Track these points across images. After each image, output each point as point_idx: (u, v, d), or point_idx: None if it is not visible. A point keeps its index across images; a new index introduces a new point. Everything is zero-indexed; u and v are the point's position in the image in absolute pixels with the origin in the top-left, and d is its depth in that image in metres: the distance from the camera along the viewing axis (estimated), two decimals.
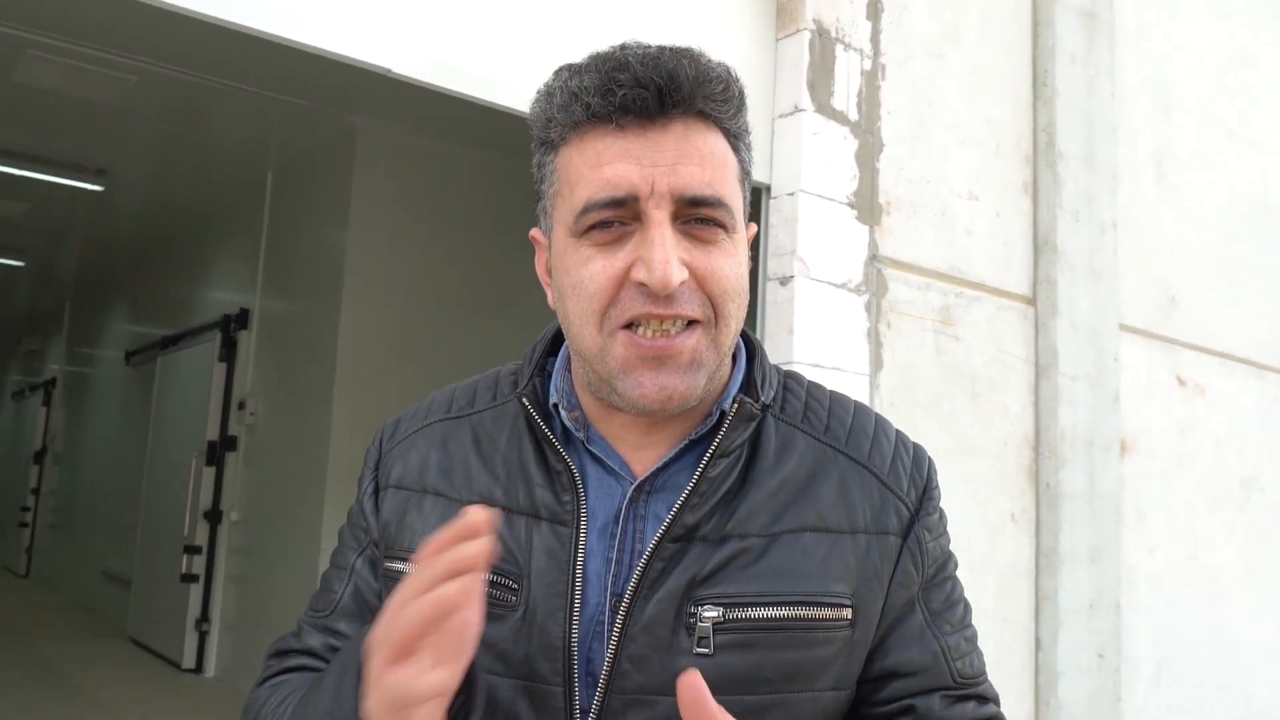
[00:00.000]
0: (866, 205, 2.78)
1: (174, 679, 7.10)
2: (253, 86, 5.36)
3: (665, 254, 0.85)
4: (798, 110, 2.69)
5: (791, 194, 2.64)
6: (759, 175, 2.73)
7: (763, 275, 2.69)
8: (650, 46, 0.90)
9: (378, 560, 1.00)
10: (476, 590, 0.74)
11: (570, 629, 0.89)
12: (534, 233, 0.99)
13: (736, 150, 0.93)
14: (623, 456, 0.95)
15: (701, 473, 0.91)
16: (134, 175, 7.38)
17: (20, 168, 6.93)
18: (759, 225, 2.74)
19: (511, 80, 2.23)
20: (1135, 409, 3.52)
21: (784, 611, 0.89)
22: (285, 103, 5.73)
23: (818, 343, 2.63)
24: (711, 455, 0.91)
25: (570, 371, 0.98)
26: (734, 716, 0.77)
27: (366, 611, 0.99)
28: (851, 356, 2.69)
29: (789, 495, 0.93)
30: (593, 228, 0.88)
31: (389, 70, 2.07)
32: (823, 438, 0.97)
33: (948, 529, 1.02)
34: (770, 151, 2.72)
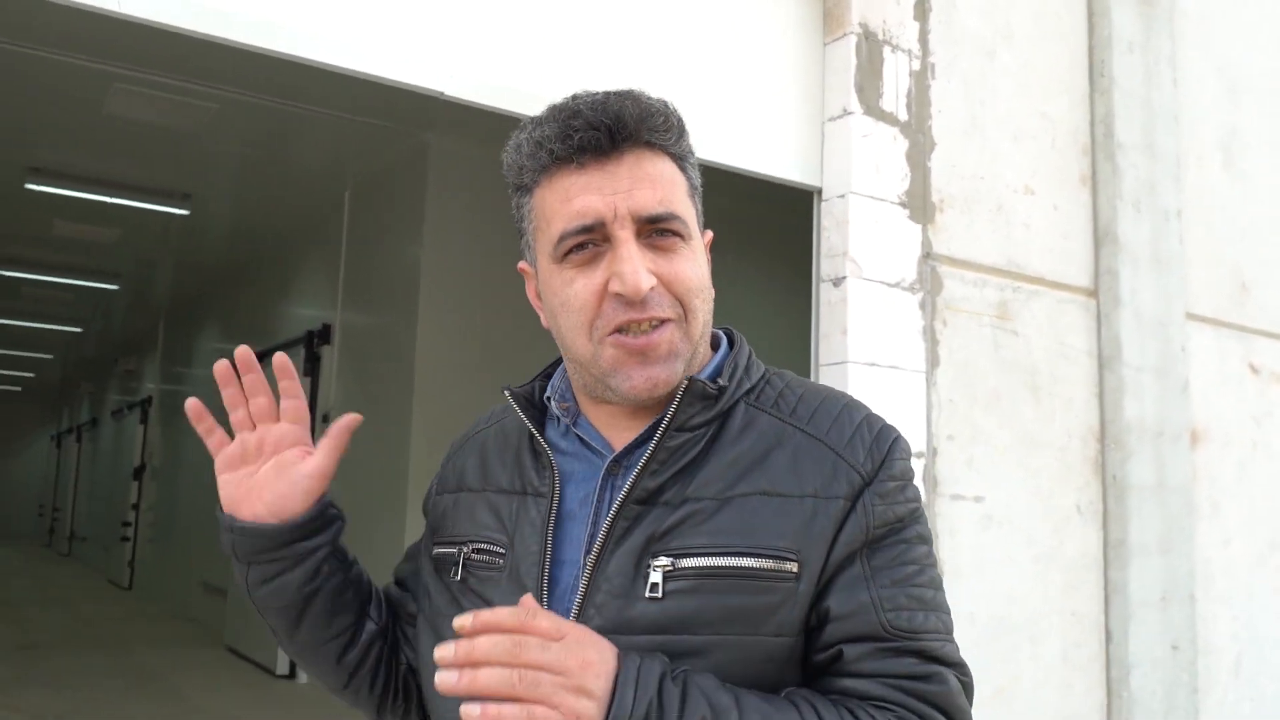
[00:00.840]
0: (919, 204, 2.81)
1: (268, 685, 7.36)
2: (327, 110, 5.55)
3: (633, 266, 1.01)
4: (846, 113, 2.72)
5: (842, 196, 2.67)
6: (809, 179, 2.77)
7: (816, 277, 2.73)
8: (598, 93, 1.06)
9: (427, 550, 1.21)
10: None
11: (544, 582, 1.05)
12: (522, 265, 1.15)
13: (683, 169, 1.09)
14: (610, 440, 1.10)
15: (658, 442, 1.04)
16: (218, 199, 7.67)
17: (112, 195, 7.26)
18: (812, 228, 2.78)
19: (563, 93, 2.30)
20: (1207, 399, 3.49)
21: (727, 561, 1.00)
22: (359, 124, 5.92)
23: (872, 342, 2.66)
24: (666, 427, 1.04)
25: (567, 375, 1.15)
26: (681, 654, 0.97)
27: (403, 579, 1.27)
28: (907, 355, 2.71)
29: (745, 466, 1.05)
30: (570, 252, 1.04)
31: (442, 93, 2.19)
32: (787, 419, 1.08)
33: (917, 504, 1.08)
34: (821, 155, 2.76)
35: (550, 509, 1.08)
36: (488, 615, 0.91)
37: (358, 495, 7.40)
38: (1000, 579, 2.87)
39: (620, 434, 1.09)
